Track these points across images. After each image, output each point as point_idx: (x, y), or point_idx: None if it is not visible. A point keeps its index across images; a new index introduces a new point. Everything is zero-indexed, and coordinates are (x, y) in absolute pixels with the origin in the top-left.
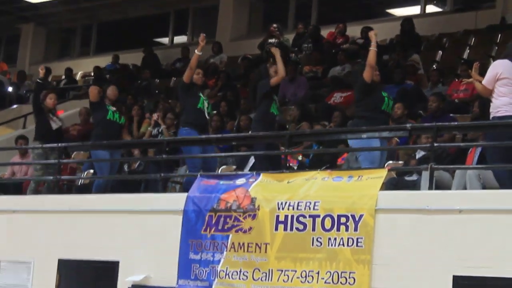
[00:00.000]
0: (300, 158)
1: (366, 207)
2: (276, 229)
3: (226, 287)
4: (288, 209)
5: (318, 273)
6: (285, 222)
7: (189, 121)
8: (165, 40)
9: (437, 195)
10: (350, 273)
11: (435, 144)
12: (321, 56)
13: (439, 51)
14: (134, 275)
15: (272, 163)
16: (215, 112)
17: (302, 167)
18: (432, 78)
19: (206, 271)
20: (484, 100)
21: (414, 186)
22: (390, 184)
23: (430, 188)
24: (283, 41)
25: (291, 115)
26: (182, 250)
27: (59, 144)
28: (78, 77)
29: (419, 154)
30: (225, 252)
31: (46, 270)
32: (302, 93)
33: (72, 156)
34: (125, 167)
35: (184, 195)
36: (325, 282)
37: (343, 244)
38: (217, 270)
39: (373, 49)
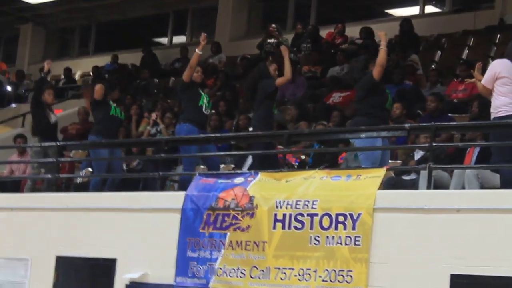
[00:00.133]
0: (303, 157)
1: (364, 206)
2: (274, 227)
3: (223, 285)
4: (286, 207)
5: (315, 271)
6: (283, 221)
7: (189, 118)
8: (164, 40)
9: (435, 194)
10: (347, 271)
11: (434, 144)
12: (320, 56)
13: (438, 52)
14: (131, 272)
15: (270, 163)
16: (213, 112)
17: (303, 166)
18: (431, 78)
19: (203, 268)
20: (484, 100)
21: (412, 185)
22: (388, 184)
23: (428, 187)
24: (282, 41)
25: (289, 115)
26: (180, 248)
27: (58, 143)
28: (77, 76)
29: (418, 154)
30: (223, 250)
31: (44, 267)
32: (301, 92)
33: (71, 154)
34: (124, 166)
35: (182, 194)
36: (323, 280)
37: (341, 243)
38: (214, 268)
39: (383, 48)
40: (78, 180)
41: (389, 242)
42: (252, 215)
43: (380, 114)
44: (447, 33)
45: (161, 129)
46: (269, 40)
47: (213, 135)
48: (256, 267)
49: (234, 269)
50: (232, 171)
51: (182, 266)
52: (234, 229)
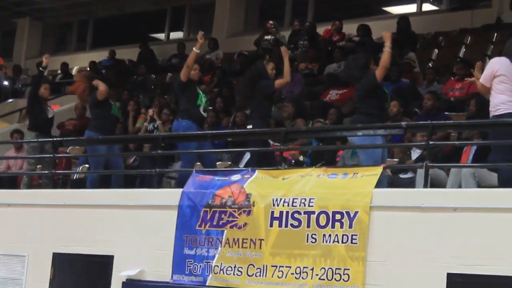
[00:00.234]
0: (301, 158)
1: (361, 204)
2: (271, 225)
3: (220, 282)
4: (283, 205)
5: (312, 269)
6: (280, 219)
7: (188, 115)
8: (162, 36)
9: (432, 193)
10: (344, 269)
11: (430, 142)
12: (317, 54)
13: (435, 50)
14: (128, 269)
15: (268, 161)
16: (210, 108)
17: (300, 165)
18: (427, 76)
19: (200, 266)
20: (481, 99)
21: (409, 184)
22: (384, 182)
23: (425, 186)
24: (279, 38)
25: (286, 112)
26: (176, 245)
27: (54, 139)
28: (74, 72)
29: (415, 153)
30: (219, 248)
31: (41, 263)
32: (298, 90)
33: (68, 150)
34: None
35: (179, 191)
36: (320, 279)
37: (337, 241)
38: (211, 266)
39: (387, 50)
40: (75, 176)
41: (386, 241)
42: (249, 213)
43: (380, 114)
44: (444, 31)
45: (158, 125)
46: (266, 37)
47: (209, 131)
48: (253, 265)
49: (231, 267)
50: (229, 168)
51: (179, 263)
52: (231, 227)
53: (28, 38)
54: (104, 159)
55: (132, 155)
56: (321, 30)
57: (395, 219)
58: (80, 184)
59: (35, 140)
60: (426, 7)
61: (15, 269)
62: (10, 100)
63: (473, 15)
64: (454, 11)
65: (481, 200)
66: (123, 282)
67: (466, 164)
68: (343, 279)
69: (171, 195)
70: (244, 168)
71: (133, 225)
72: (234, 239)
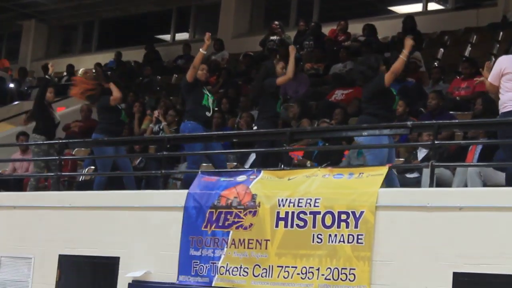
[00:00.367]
0: (308, 164)
1: (367, 204)
2: (277, 225)
3: (226, 283)
4: (289, 206)
5: (318, 269)
6: (285, 219)
7: (194, 116)
8: (167, 37)
9: (438, 192)
10: (350, 269)
11: (436, 142)
12: (323, 54)
13: (441, 49)
14: (134, 271)
15: (273, 162)
16: (216, 108)
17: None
18: (433, 75)
19: (206, 267)
20: (488, 97)
21: (416, 184)
22: (397, 182)
23: (431, 185)
24: (284, 38)
25: (291, 112)
26: (182, 246)
27: (60, 141)
28: (80, 73)
29: (421, 153)
30: (225, 249)
31: (47, 265)
32: (303, 90)
33: (73, 152)
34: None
35: (184, 192)
36: (325, 279)
37: (343, 241)
38: (217, 266)
39: (403, 58)
40: (81, 178)
41: (392, 240)
42: (254, 213)
43: (387, 115)
44: (450, 30)
45: (163, 126)
46: (271, 37)
47: (215, 133)
48: (258, 266)
49: (237, 268)
50: (235, 169)
51: (185, 264)
52: (237, 227)
53: (34, 40)
54: (112, 162)
55: (138, 157)
56: (326, 30)
57: (400, 218)
58: (86, 186)
59: (41, 142)
60: (432, 6)
61: (21, 271)
62: (16, 103)
63: (478, 14)
64: (460, 10)
65: (487, 199)
66: (129, 284)
67: (472, 163)
68: (349, 279)
69: (177, 197)
70: (250, 169)
71: (139, 227)
72: (240, 239)
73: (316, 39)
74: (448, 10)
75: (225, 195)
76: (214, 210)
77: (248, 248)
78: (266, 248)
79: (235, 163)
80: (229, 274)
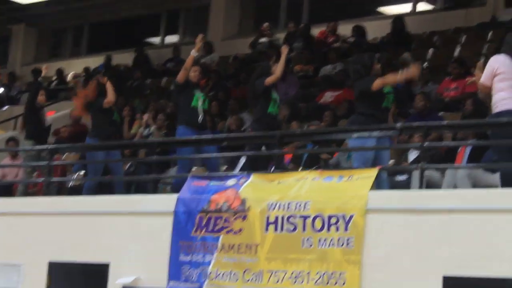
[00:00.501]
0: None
1: (357, 207)
2: (267, 230)
3: None
4: (279, 209)
5: (308, 273)
6: (275, 223)
7: (184, 120)
8: (157, 40)
9: (427, 194)
10: (340, 273)
11: (425, 144)
12: (312, 55)
13: (430, 50)
14: (124, 277)
15: (263, 165)
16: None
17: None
18: (422, 76)
19: (196, 272)
20: (478, 98)
21: (406, 186)
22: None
23: (420, 187)
24: (273, 40)
25: (281, 114)
26: (172, 251)
27: (49, 146)
28: (69, 77)
29: (412, 155)
30: (215, 254)
31: (36, 272)
32: (293, 92)
33: (63, 157)
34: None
35: (174, 196)
36: (316, 283)
37: (333, 245)
38: (207, 272)
39: (400, 77)
40: (70, 184)
41: (382, 244)
42: (244, 218)
43: (379, 115)
44: (439, 31)
45: (153, 130)
46: (261, 39)
47: (204, 136)
48: (249, 270)
49: (227, 273)
50: (224, 173)
51: (175, 270)
52: (227, 232)
53: (23, 45)
54: (103, 166)
55: (128, 161)
56: (316, 31)
57: (390, 221)
58: (76, 191)
59: (30, 148)
60: (421, 6)
61: (10, 278)
62: (5, 108)
63: (467, 14)
64: (449, 10)
65: (478, 201)
66: None
67: (461, 165)
68: (339, 283)
69: (167, 201)
70: (240, 173)
71: (128, 232)
72: (229, 244)
73: (305, 40)
74: (437, 10)
75: (214, 200)
76: (204, 215)
77: (238, 253)
78: (256, 253)
79: (225, 166)
80: (219, 279)
